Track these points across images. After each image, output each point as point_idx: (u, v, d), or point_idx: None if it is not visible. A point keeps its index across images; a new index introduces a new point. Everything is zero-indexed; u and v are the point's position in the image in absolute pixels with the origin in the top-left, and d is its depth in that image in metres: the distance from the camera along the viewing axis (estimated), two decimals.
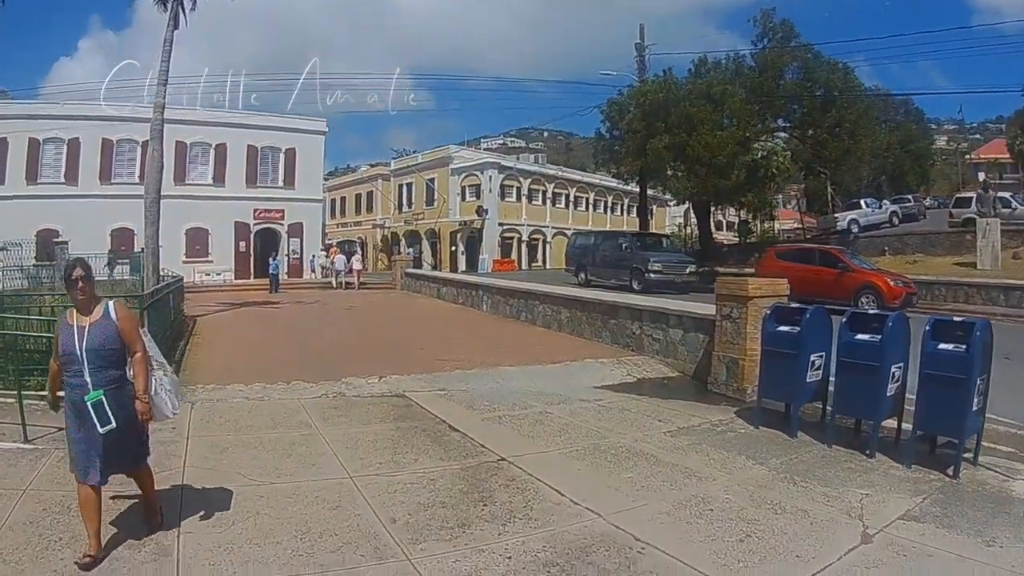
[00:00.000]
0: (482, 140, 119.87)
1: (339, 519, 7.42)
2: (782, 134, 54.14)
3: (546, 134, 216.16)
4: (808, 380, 11.51)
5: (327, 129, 63.99)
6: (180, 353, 17.92)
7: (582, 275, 41.74)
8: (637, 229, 52.81)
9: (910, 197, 64.56)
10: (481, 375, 15.79)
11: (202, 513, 7.41)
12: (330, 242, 69.93)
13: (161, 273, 31.66)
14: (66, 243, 45.80)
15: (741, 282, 14.81)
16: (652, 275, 36.00)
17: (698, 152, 44.35)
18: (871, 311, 11.48)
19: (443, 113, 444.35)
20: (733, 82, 47.59)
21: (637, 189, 55.65)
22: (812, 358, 11.49)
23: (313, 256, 62.10)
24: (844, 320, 10.81)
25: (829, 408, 11.50)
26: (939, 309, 27.18)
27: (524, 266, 77.10)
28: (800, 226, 77.41)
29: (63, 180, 54.07)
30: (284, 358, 18.10)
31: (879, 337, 10.27)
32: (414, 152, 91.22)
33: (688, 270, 37.84)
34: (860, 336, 10.52)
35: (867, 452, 10.12)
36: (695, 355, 16.26)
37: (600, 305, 20.83)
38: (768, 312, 12.38)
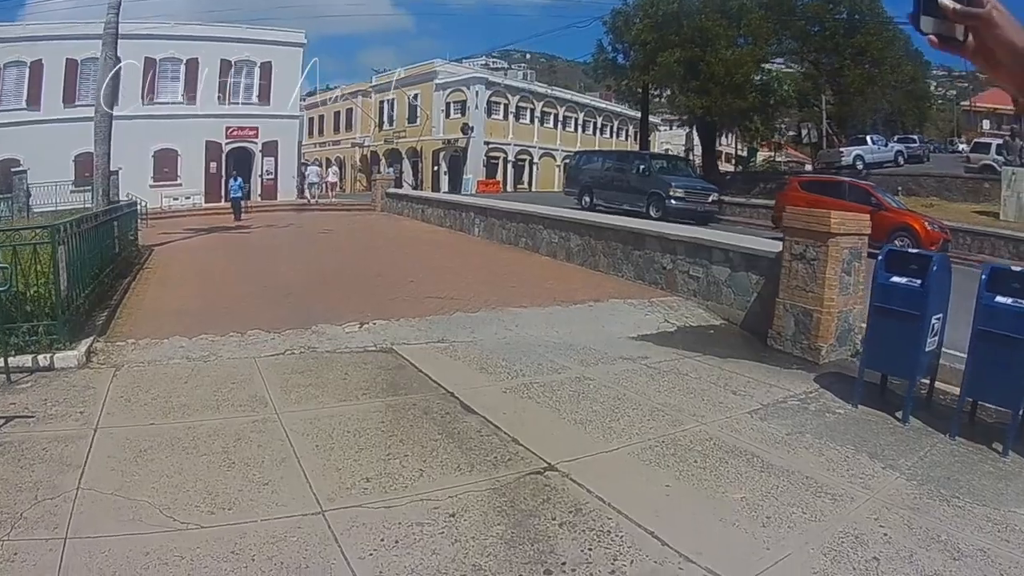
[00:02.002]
0: (464, 61, 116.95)
1: None
2: (781, 59, 51.79)
3: (528, 56, 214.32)
4: (927, 349, 9.05)
5: (306, 41, 60.63)
6: (121, 294, 14.67)
7: (586, 198, 37.64)
8: (638, 150, 50.56)
9: (915, 138, 63.27)
10: (488, 319, 12.73)
11: None
12: (305, 161, 66.90)
13: (124, 198, 29.88)
14: (25, 172, 43.31)
15: (821, 215, 12.11)
16: (673, 202, 32.66)
17: (714, 68, 42.36)
18: (1015, 267, 8.54)
19: (422, 34, 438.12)
20: None
21: (630, 111, 53.64)
22: (933, 321, 8.96)
23: (296, 175, 59.46)
24: (984, 277, 8.32)
25: (939, 385, 9.70)
26: (967, 259, 24.97)
27: (509, 188, 74.08)
28: (792, 159, 76.38)
29: (25, 106, 50.37)
30: (244, 296, 14.79)
31: None
32: (396, 69, 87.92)
33: (711, 198, 34.53)
34: (1001, 299, 8.06)
35: (995, 447, 8.02)
36: (744, 299, 13.80)
37: (621, 232, 17.92)
38: (881, 257, 9.53)
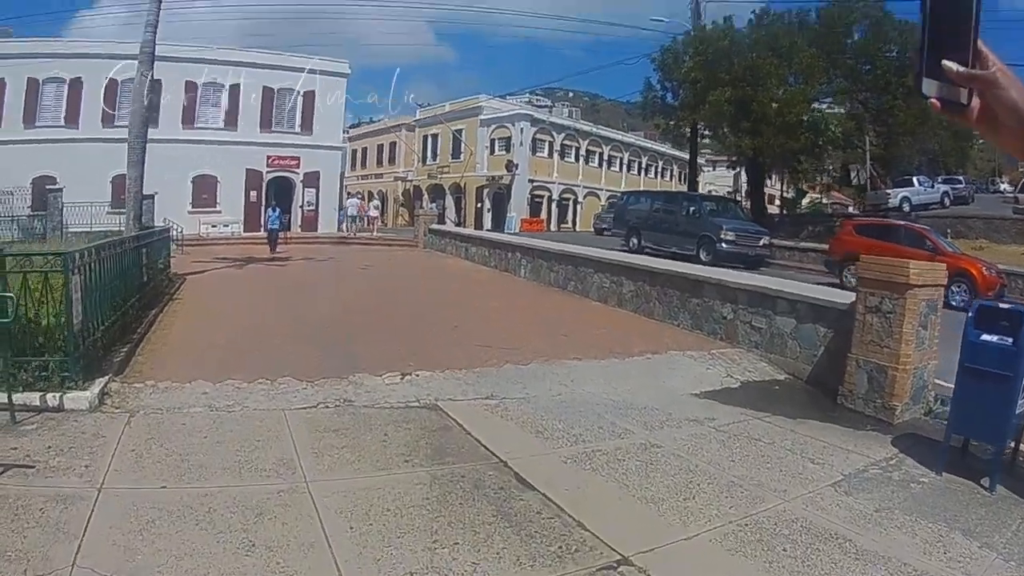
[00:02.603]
0: (508, 97, 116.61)
1: None
2: (828, 99, 50.90)
3: (571, 94, 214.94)
4: (1017, 411, 8.36)
5: (349, 71, 60.11)
6: (147, 327, 13.91)
7: (634, 240, 36.59)
8: (686, 191, 49.94)
9: (960, 178, 62.74)
10: (541, 373, 11.74)
11: None
12: (348, 193, 66.48)
13: (160, 223, 30.07)
14: (60, 191, 42.53)
15: (898, 265, 11.36)
16: (724, 245, 31.70)
17: (765, 108, 41.50)
18: None
19: (464, 69, 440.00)
20: (799, 35, 44.50)
21: (674, 151, 53.15)
22: None
23: (337, 207, 58.95)
24: None
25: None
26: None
27: (553, 227, 73.49)
28: (835, 201, 76.49)
29: (63, 123, 49.97)
30: (277, 336, 13.90)
31: None
32: (441, 104, 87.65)
33: (762, 242, 33.48)
34: None
35: None
36: (811, 353, 12.96)
37: (678, 279, 17.07)
38: (971, 314, 8.87)
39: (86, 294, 10.07)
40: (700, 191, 64.45)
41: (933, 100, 1.67)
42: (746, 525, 6.57)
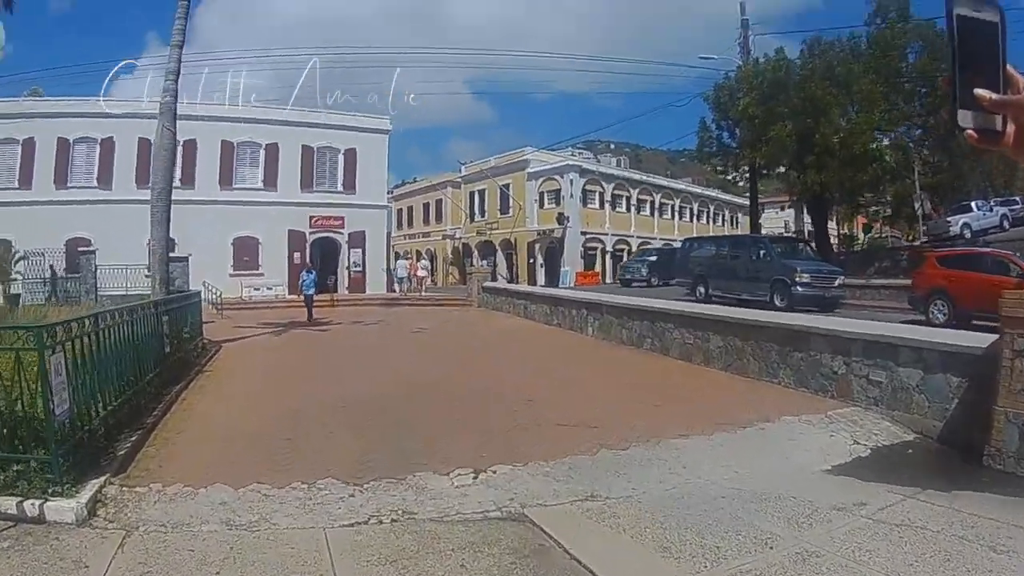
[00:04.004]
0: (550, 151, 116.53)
1: None
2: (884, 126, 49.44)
3: (613, 145, 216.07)
4: None
5: (391, 127, 59.40)
6: (165, 407, 12.28)
7: (701, 289, 35.64)
8: (750, 233, 49.02)
9: (1017, 199, 59.96)
10: (645, 458, 9.68)
11: None
12: (396, 252, 65.54)
13: (198, 287, 29.94)
14: (93, 252, 42.12)
15: None
16: (800, 288, 30.23)
17: (828, 140, 40.06)
18: None
19: (504, 127, 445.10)
20: (853, 63, 43.07)
21: (724, 195, 51.71)
22: None
23: (384, 267, 58.44)
24: None
25: None
26: None
27: (608, 279, 71.82)
28: (893, 235, 77.17)
29: (96, 184, 50.14)
30: (317, 421, 11.92)
31: None
32: (485, 159, 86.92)
33: (837, 282, 31.94)
34: None
35: None
36: (942, 407, 11.36)
37: (776, 331, 15.32)
38: None
39: (79, 374, 8.56)
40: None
41: (970, 131, 1.69)
42: None
